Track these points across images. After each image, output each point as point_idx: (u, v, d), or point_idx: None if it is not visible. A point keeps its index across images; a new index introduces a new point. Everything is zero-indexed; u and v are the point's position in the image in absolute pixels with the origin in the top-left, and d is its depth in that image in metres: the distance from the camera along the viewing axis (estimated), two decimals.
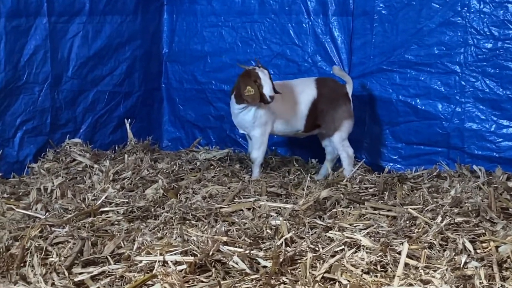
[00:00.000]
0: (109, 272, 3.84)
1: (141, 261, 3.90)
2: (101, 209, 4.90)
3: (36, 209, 4.92)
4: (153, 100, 7.40)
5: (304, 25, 6.63)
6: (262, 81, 5.71)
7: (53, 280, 3.75)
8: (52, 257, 4.00)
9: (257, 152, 6.03)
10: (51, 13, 6.15)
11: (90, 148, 6.52)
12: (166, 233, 4.41)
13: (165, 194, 5.33)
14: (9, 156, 6.04)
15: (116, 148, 6.80)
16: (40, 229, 4.36)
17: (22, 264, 3.91)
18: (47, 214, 4.81)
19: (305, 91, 6.07)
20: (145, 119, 7.27)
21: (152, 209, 4.95)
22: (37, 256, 3.95)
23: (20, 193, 5.37)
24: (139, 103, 7.17)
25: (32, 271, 3.83)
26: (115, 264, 3.95)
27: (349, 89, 6.09)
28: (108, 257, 4.01)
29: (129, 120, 6.97)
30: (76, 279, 3.78)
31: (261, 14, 6.81)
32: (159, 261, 3.86)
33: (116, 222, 4.70)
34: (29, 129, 6.20)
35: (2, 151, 5.93)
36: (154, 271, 3.76)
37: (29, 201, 5.11)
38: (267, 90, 5.69)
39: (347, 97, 6.08)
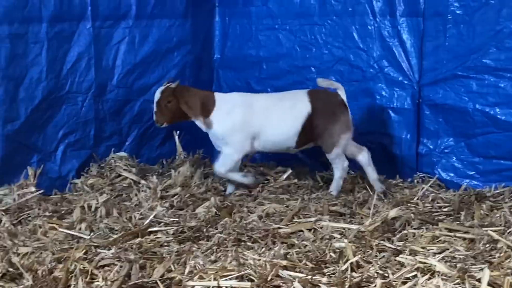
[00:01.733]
0: None
1: (193, 287, 3.93)
2: (149, 229, 4.95)
3: (80, 229, 5.01)
4: None
5: (369, 27, 6.60)
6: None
7: None
8: (97, 281, 4.06)
9: (220, 168, 6.00)
10: (96, 17, 6.28)
11: (136, 163, 6.61)
12: (220, 256, 4.44)
13: (217, 213, 5.36)
14: (51, 171, 6.17)
15: (164, 163, 6.87)
16: (84, 250, 4.43)
17: None
18: (91, 234, 4.89)
19: (298, 106, 6.04)
20: (195, 131, 7.29)
21: (204, 229, 4.98)
22: (82, 279, 4.01)
23: (63, 211, 5.47)
24: None
25: None
26: None
27: (343, 95, 6.08)
28: (158, 281, 4.04)
29: (178, 132, 7.03)
30: None
31: (321, 16, 6.80)
32: (213, 287, 3.87)
33: (166, 244, 4.74)
34: (72, 142, 6.32)
35: (43, 166, 6.05)
36: None
37: (72, 220, 5.20)
38: None
39: (344, 106, 6.06)
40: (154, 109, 5.97)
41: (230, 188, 6.14)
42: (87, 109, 6.35)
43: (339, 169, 6.08)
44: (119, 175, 6.36)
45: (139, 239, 4.78)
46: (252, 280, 3.97)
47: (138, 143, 6.84)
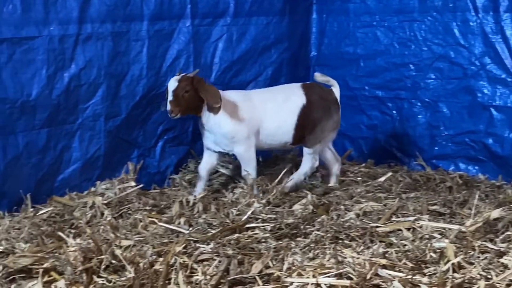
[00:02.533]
0: None
1: (291, 283, 3.93)
2: (246, 225, 4.98)
3: (179, 223, 5.09)
4: None
5: (471, 23, 6.47)
6: (168, 92, 5.67)
7: None
8: (197, 275, 4.10)
9: (247, 170, 5.90)
10: (195, 15, 6.37)
11: (233, 159, 6.65)
12: (318, 253, 4.42)
13: (314, 210, 5.34)
14: (150, 167, 6.31)
15: (260, 159, 6.89)
16: (184, 244, 4.48)
17: (166, 281, 4.04)
18: (190, 229, 4.96)
19: (292, 99, 5.99)
20: None
21: (301, 227, 4.97)
22: (182, 273, 4.06)
23: (162, 206, 5.57)
24: None
25: None
26: (264, 285, 4.00)
27: (337, 93, 6.09)
28: (256, 277, 4.07)
29: None
30: None
31: (421, 12, 6.71)
32: (311, 284, 3.87)
33: (263, 240, 4.76)
34: (170, 138, 6.44)
35: (143, 161, 6.18)
36: None
37: (171, 215, 5.29)
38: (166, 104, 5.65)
39: (337, 104, 6.09)
40: (170, 98, 5.62)
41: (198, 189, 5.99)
42: None
43: (308, 166, 6.09)
44: (216, 171, 6.43)
45: (237, 234, 4.81)
46: (350, 278, 3.95)
47: None
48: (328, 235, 4.74)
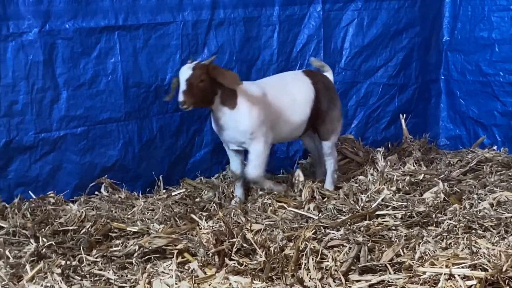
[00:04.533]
0: (389, 281, 3.85)
1: (424, 273, 3.86)
2: (376, 212, 4.92)
3: (309, 209, 5.09)
4: (430, 93, 7.29)
5: None
6: (180, 81, 5.07)
7: (330, 286, 3.85)
8: (327, 261, 4.10)
9: (257, 170, 5.35)
10: (326, 0, 6.32)
11: (361, 145, 6.60)
12: (450, 243, 4.33)
13: (446, 198, 5.22)
14: (279, 151, 6.36)
15: (390, 146, 6.80)
16: (314, 230, 4.48)
17: (297, 266, 4.05)
18: (320, 214, 4.96)
19: (303, 89, 5.55)
20: (421, 115, 7.19)
21: (433, 215, 4.87)
22: (312, 259, 4.06)
23: (290, 191, 5.58)
24: (415, 97, 7.10)
25: (307, 274, 3.95)
26: (395, 273, 3.94)
27: (332, 80, 5.77)
28: (388, 265, 4.02)
29: (404, 115, 6.94)
30: (353, 287, 3.84)
31: None
32: (445, 274, 3.78)
33: (394, 227, 4.70)
34: None
35: (272, 146, 6.22)
36: (439, 285, 3.70)
37: (301, 200, 5.30)
38: (178, 94, 5.04)
39: (336, 92, 5.77)
40: (183, 87, 4.98)
41: (238, 192, 5.55)
42: None
43: (333, 162, 5.73)
44: (345, 157, 6.39)
45: (366, 221, 4.78)
46: (485, 270, 3.83)
47: (364, 126, 6.84)
48: (461, 224, 4.62)
